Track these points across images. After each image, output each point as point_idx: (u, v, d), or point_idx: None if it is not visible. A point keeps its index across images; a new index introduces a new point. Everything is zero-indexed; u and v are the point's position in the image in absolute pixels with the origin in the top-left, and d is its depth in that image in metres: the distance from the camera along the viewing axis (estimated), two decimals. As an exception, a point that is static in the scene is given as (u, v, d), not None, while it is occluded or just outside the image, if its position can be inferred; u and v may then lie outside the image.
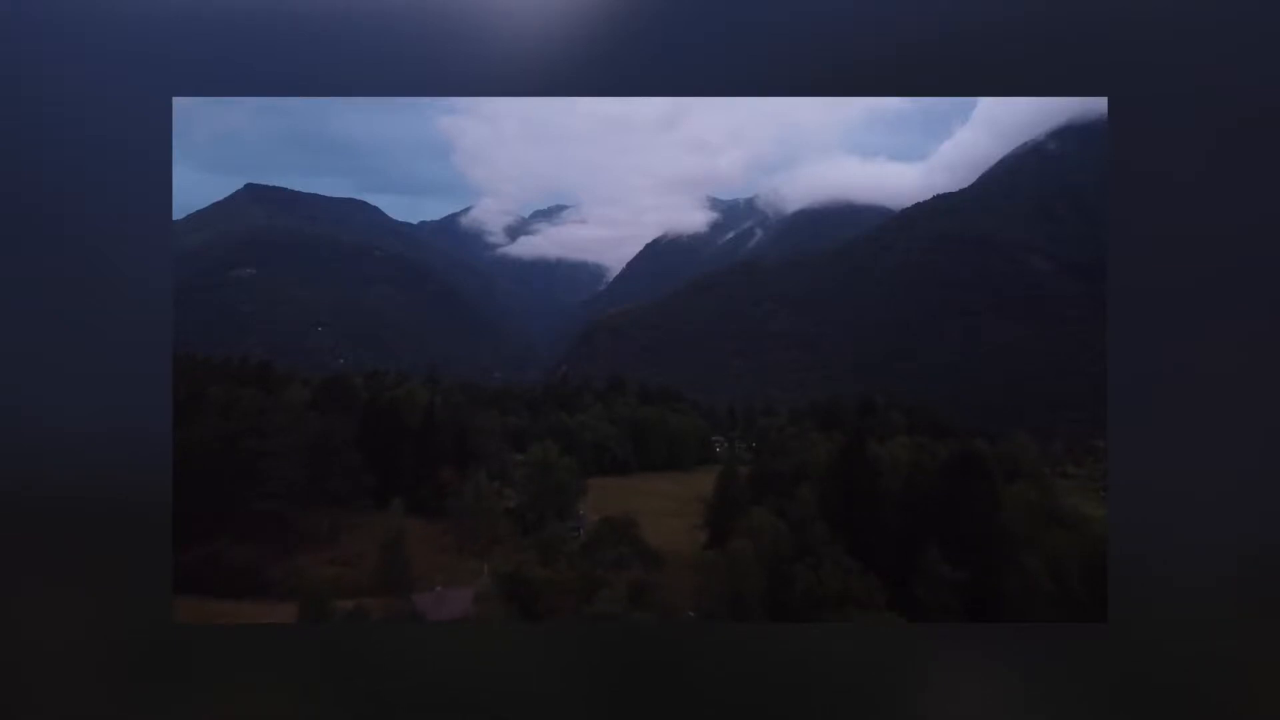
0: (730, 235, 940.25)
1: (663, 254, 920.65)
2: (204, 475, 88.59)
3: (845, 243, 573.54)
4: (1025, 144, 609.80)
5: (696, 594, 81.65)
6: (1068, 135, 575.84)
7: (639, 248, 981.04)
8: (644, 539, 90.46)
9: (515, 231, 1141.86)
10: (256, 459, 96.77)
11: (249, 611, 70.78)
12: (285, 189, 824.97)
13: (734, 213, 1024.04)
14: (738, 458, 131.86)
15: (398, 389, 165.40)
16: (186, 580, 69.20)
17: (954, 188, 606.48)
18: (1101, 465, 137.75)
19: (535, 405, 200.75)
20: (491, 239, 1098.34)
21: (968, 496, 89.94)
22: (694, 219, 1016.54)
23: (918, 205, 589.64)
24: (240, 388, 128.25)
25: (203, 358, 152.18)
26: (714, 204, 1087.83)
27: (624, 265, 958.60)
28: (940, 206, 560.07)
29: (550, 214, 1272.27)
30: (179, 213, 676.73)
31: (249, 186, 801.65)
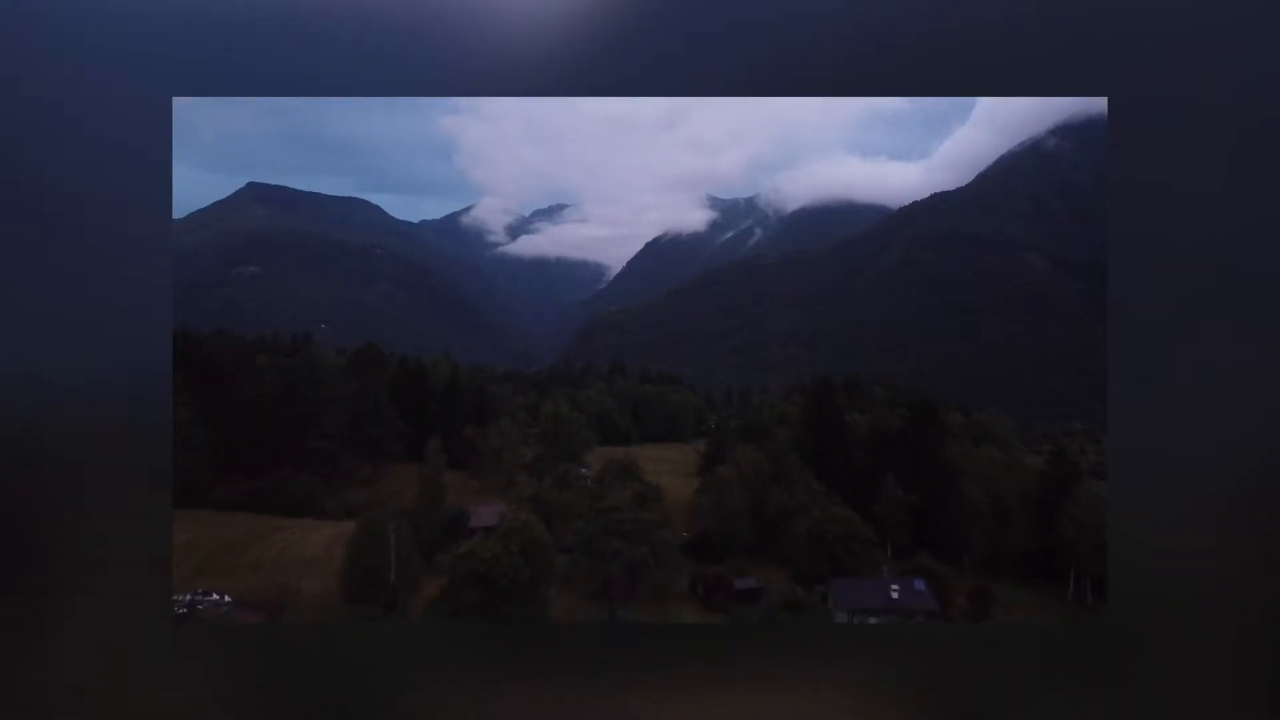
0: (729, 234, 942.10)
1: (662, 253, 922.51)
2: (269, 418, 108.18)
3: (843, 241, 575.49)
4: (1024, 141, 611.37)
5: (690, 514, 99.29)
6: (1066, 132, 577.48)
7: (639, 246, 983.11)
8: (645, 477, 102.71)
9: (516, 230, 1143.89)
10: (311, 406, 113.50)
11: (311, 526, 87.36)
12: (287, 188, 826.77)
13: (733, 212, 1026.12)
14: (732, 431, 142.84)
15: (422, 358, 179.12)
16: (260, 500, 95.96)
17: (955, 186, 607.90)
18: (1075, 443, 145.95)
19: (542, 385, 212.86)
20: (492, 238, 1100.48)
21: (921, 436, 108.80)
22: (693, 218, 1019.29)
23: (915, 203, 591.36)
24: (285, 357, 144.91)
25: (239, 334, 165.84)
26: (714, 203, 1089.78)
27: (624, 264, 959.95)
28: (938, 205, 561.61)
29: (551, 213, 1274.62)
30: (182, 211, 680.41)
31: (251, 185, 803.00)
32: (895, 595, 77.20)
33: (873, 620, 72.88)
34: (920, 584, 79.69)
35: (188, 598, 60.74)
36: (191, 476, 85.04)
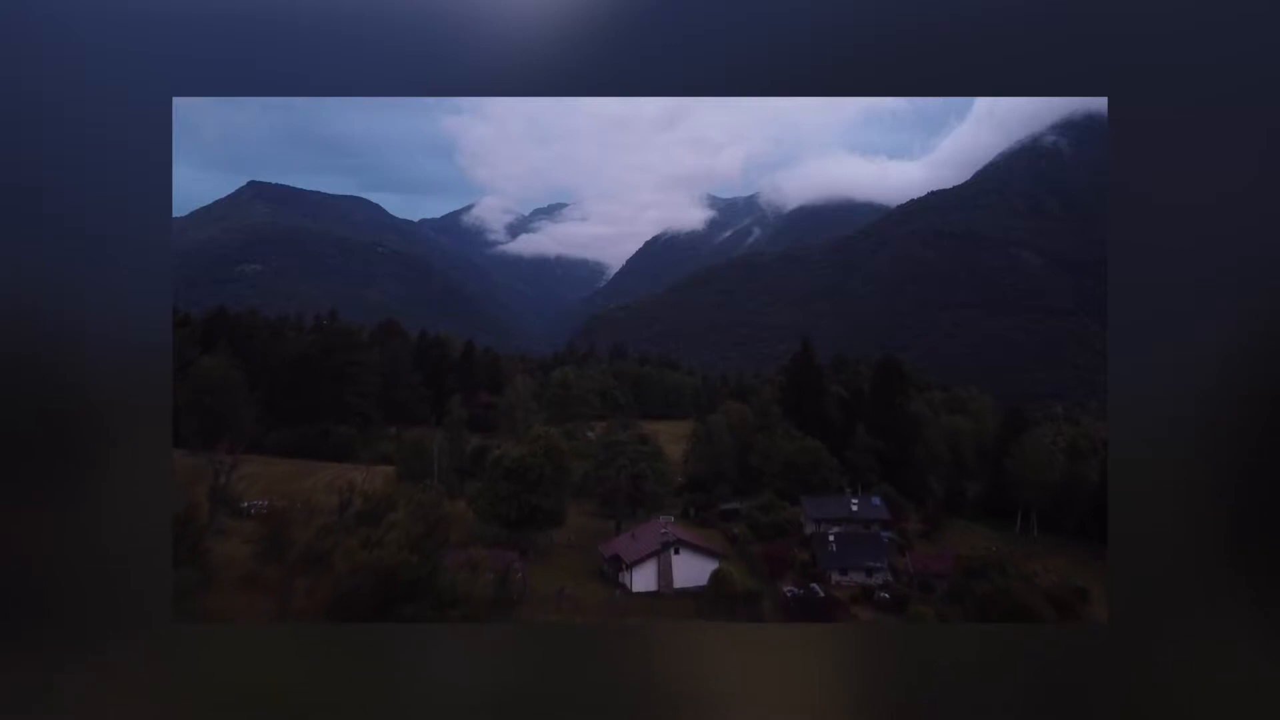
0: (728, 233, 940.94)
1: (662, 251, 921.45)
2: (311, 376, 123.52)
3: (841, 239, 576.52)
4: (1023, 139, 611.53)
5: (684, 462, 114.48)
6: (1065, 129, 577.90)
7: (638, 245, 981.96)
8: (643, 431, 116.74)
9: (516, 229, 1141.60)
10: (346, 367, 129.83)
11: (351, 467, 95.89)
12: (288, 186, 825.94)
13: (732, 210, 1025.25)
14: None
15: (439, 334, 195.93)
16: (305, 447, 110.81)
17: (953, 184, 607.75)
18: (1055, 425, 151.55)
19: (547, 367, 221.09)
20: (492, 236, 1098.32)
21: (887, 392, 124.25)
22: (693, 216, 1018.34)
23: (912, 201, 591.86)
24: (311, 333, 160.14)
25: (264, 316, 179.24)
26: (713, 202, 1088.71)
27: (623, 262, 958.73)
28: (935, 203, 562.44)
29: (551, 211, 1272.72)
30: (184, 209, 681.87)
31: (252, 184, 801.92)
32: (855, 508, 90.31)
33: (836, 530, 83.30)
34: (877, 500, 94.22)
35: (264, 503, 71.25)
36: (246, 427, 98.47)
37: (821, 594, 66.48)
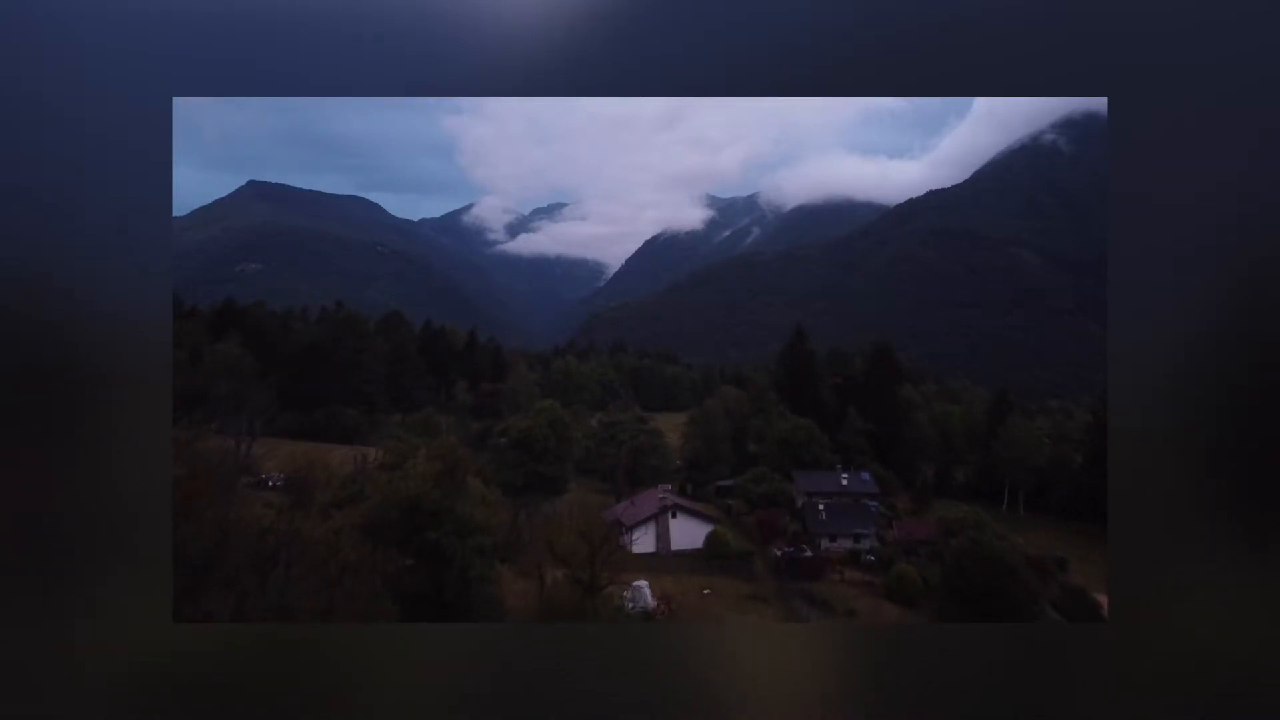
0: (728, 232, 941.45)
1: (661, 251, 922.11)
2: (319, 364, 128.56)
3: (840, 238, 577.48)
4: (1022, 138, 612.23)
5: (682, 442, 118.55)
6: (1064, 128, 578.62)
7: (638, 244, 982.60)
8: (641, 414, 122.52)
9: (516, 229, 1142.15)
10: (353, 354, 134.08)
11: (360, 449, 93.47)
12: (288, 186, 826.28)
13: (732, 210, 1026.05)
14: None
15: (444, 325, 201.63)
16: (314, 430, 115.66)
17: (953, 183, 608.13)
18: (1051, 419, 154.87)
19: (547, 362, 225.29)
20: (492, 236, 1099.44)
21: (878, 377, 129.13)
22: (692, 216, 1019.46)
23: (911, 200, 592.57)
24: (316, 325, 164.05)
25: (269, 309, 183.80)
26: (712, 201, 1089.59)
27: (623, 262, 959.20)
28: (934, 202, 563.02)
29: (551, 211, 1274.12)
30: (183, 209, 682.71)
31: (251, 183, 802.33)
32: (845, 483, 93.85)
33: (824, 503, 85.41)
34: (867, 475, 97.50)
35: (284, 475, 72.44)
36: (263, 407, 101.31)
37: (810, 554, 70.63)
